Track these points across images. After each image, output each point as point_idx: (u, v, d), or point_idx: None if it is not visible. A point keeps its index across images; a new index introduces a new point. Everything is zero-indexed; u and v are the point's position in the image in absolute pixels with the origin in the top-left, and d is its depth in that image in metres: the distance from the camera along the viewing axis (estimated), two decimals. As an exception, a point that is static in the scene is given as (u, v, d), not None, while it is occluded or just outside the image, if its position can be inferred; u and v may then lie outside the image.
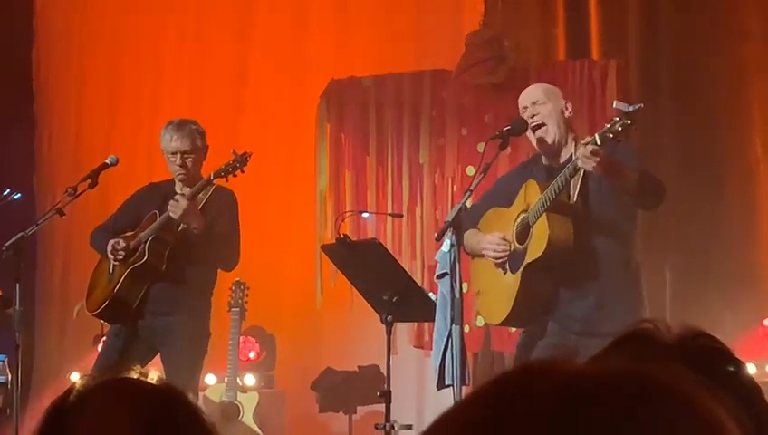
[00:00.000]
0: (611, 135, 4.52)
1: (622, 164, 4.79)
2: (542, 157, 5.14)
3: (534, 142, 5.11)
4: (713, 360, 1.39)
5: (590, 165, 4.63)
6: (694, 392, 0.72)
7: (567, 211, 4.89)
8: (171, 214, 5.65)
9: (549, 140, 5.06)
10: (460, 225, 4.90)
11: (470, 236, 5.13)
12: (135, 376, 1.73)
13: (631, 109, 4.51)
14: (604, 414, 0.70)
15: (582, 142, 4.69)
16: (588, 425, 0.69)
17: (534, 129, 5.07)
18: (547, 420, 0.69)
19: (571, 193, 4.90)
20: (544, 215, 4.85)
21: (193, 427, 1.70)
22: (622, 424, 0.69)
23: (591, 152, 4.56)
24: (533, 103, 5.09)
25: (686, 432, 0.70)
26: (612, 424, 0.69)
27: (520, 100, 5.18)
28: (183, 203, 5.63)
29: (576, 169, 4.73)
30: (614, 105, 4.70)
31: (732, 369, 1.42)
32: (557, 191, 4.80)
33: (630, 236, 5.07)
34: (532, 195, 4.95)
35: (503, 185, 5.32)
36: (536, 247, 4.89)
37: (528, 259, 4.92)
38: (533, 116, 5.06)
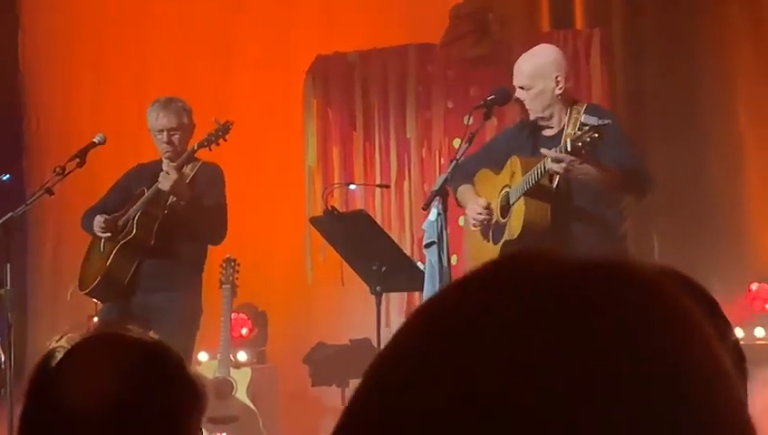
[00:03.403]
0: (580, 144, 4.61)
1: (601, 166, 4.83)
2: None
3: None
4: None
5: (559, 169, 4.71)
6: (673, 289, 0.74)
7: (546, 196, 4.94)
8: (160, 186, 5.69)
9: (532, 118, 5.13)
10: (447, 194, 4.95)
11: (463, 192, 5.23)
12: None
13: (599, 123, 4.62)
14: (591, 300, 0.71)
15: (555, 149, 4.75)
16: (568, 308, 0.71)
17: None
18: (537, 303, 0.71)
19: (555, 177, 4.95)
20: (523, 198, 4.91)
21: (178, 378, 1.74)
22: (602, 309, 0.72)
23: (555, 159, 4.67)
24: (521, 87, 5.12)
25: (655, 320, 0.72)
26: (595, 311, 0.71)
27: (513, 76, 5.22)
28: (172, 175, 5.67)
29: (546, 171, 4.79)
30: (582, 118, 4.78)
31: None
32: (537, 178, 4.86)
33: (615, 223, 5.10)
34: (515, 171, 5.01)
35: (497, 144, 5.37)
36: (513, 228, 4.97)
37: (506, 237, 5.01)
38: (524, 99, 5.12)
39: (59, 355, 1.72)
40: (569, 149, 4.64)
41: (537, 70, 5.11)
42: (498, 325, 0.70)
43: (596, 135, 4.58)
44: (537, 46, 5.34)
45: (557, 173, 4.80)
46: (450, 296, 0.75)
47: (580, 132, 4.65)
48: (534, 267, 0.73)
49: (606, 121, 4.66)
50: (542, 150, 4.79)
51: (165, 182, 5.68)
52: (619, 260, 0.74)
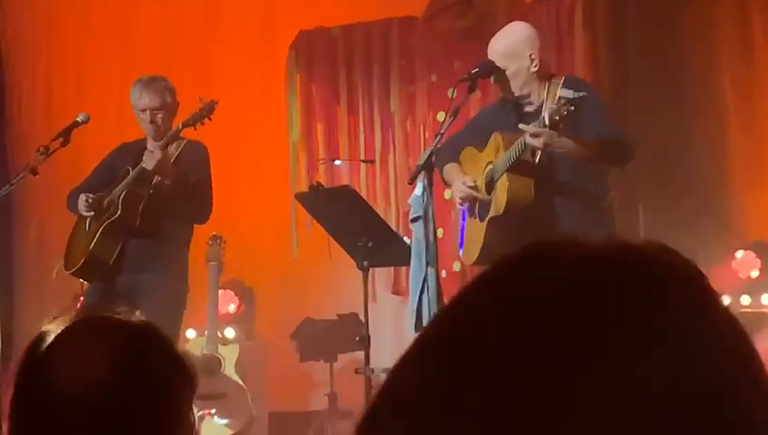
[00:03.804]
0: (557, 118, 4.62)
1: (580, 138, 4.83)
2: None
3: None
4: None
5: (538, 143, 4.72)
6: (692, 270, 0.76)
7: (529, 172, 4.96)
8: (145, 165, 5.68)
9: (513, 96, 5.13)
10: (432, 168, 4.96)
11: (449, 170, 5.23)
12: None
13: (575, 96, 4.62)
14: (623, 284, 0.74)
15: (534, 124, 4.76)
16: (605, 290, 0.74)
17: None
18: (580, 284, 0.74)
19: (537, 152, 4.95)
20: (506, 174, 4.92)
21: (168, 360, 1.74)
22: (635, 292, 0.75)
23: (533, 134, 4.67)
24: (496, 68, 5.12)
25: (676, 297, 0.73)
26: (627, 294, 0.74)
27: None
28: (157, 154, 5.66)
29: (527, 146, 4.80)
30: (558, 93, 4.78)
31: None
32: (518, 153, 4.86)
33: (600, 195, 5.11)
34: (498, 147, 5.02)
35: (481, 121, 5.36)
36: (497, 204, 4.99)
37: (491, 214, 5.02)
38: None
39: (49, 339, 1.71)
40: (546, 123, 4.66)
41: (509, 51, 5.10)
42: (505, 323, 0.72)
43: (572, 108, 4.61)
44: (507, 26, 5.31)
45: (536, 148, 4.82)
46: (466, 295, 0.77)
47: (555, 106, 4.67)
48: (541, 259, 0.75)
49: (581, 94, 4.67)
50: (520, 126, 4.81)
51: (149, 161, 5.67)
52: (628, 247, 0.76)
